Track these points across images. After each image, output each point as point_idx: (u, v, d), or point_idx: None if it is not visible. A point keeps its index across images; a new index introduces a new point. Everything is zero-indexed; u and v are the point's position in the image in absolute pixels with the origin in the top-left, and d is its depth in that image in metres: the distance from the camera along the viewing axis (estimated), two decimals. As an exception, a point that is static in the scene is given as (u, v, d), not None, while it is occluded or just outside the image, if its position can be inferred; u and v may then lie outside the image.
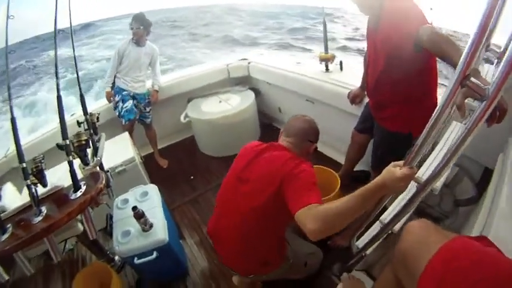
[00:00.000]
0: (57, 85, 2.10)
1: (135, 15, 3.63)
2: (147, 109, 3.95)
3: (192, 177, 3.83)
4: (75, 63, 2.74)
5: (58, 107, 2.02)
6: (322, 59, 3.48)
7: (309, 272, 2.16)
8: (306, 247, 2.13)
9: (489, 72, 1.55)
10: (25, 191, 2.08)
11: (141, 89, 3.85)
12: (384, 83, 2.17)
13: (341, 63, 3.48)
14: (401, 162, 1.25)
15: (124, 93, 3.75)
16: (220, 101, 4.19)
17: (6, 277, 1.83)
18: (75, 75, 2.72)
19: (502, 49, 1.50)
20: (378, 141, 2.47)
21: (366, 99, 2.76)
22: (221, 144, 4.08)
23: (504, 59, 0.82)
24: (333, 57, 3.48)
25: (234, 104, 4.07)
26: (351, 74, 3.34)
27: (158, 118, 4.16)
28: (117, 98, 3.75)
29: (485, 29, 0.85)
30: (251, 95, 4.26)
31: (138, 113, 3.86)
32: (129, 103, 3.74)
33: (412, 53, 1.83)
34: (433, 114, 1.08)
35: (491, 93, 0.87)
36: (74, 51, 2.64)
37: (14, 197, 2.45)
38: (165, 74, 4.63)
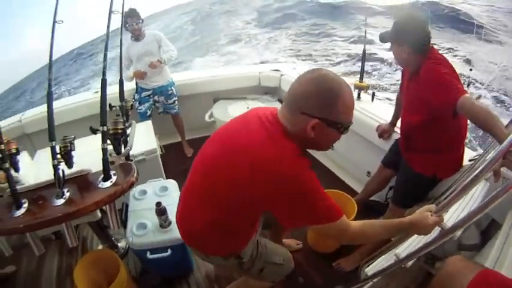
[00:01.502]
0: (104, 67, 2.11)
1: (126, 13, 3.47)
2: (170, 101, 3.98)
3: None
4: (121, 47, 2.74)
5: (101, 91, 2.03)
6: (356, 87, 3.49)
7: (267, 279, 1.88)
8: (276, 257, 1.80)
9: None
10: (40, 164, 2.08)
11: (162, 80, 3.87)
12: (417, 133, 2.26)
13: (373, 94, 3.48)
14: (433, 207, 1.39)
15: (143, 94, 3.85)
16: (248, 107, 4.18)
17: (11, 252, 1.85)
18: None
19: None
20: (402, 179, 2.51)
21: (395, 136, 2.81)
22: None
23: None
24: (367, 87, 3.49)
25: (261, 112, 4.04)
26: (382, 106, 3.35)
27: (183, 112, 4.19)
28: (136, 97, 3.85)
29: None
30: (279, 106, 4.21)
31: (158, 107, 4.00)
32: (145, 106, 3.87)
33: (450, 117, 1.92)
34: (471, 174, 1.25)
35: None
36: (121, 33, 2.65)
37: (27, 167, 2.43)
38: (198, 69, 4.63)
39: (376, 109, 3.26)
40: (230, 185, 1.32)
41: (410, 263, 1.75)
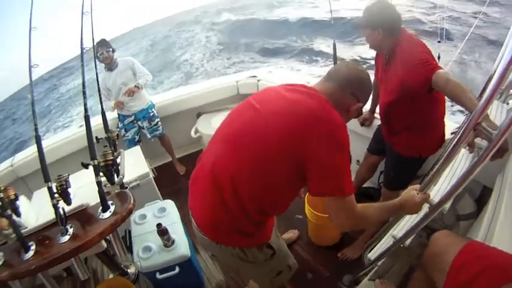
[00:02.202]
0: (85, 105, 2.18)
1: (97, 42, 3.51)
2: (154, 122, 4.00)
3: (202, 191, 3.85)
4: (97, 81, 2.81)
5: (86, 127, 2.09)
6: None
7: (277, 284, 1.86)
8: (287, 258, 1.82)
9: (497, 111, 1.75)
10: (39, 204, 2.13)
11: (141, 104, 3.89)
12: (396, 113, 2.31)
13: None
14: (417, 186, 1.45)
15: (126, 121, 3.88)
16: (231, 117, 4.25)
17: None
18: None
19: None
20: (391, 163, 2.58)
21: (376, 122, 2.89)
22: (231, 159, 4.12)
23: (508, 114, 0.97)
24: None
25: (244, 120, 4.11)
26: None
27: (168, 132, 4.23)
28: (120, 125, 3.89)
29: (498, 87, 1.01)
30: (260, 110, 4.30)
31: (144, 133, 4.01)
32: (131, 132, 3.91)
33: (425, 93, 2.01)
34: (447, 150, 1.29)
35: (496, 138, 1.04)
36: (95, 65, 2.71)
37: (28, 210, 2.44)
38: (176, 88, 4.69)
39: None
40: (283, 141, 1.29)
41: (408, 242, 1.82)
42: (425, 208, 1.45)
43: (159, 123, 4.07)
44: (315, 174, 1.30)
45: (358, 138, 3.14)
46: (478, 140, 1.30)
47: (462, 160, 2.14)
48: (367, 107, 2.99)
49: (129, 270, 2.79)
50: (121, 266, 2.72)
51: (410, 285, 1.88)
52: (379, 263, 2.02)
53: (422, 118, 2.23)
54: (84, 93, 2.21)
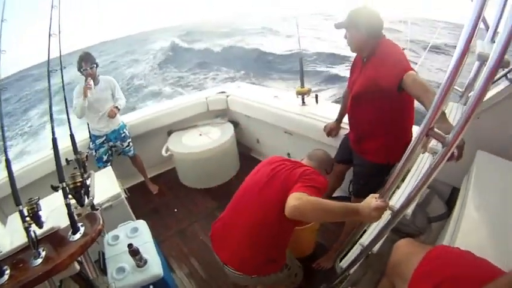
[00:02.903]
0: (52, 128, 2.16)
1: (81, 56, 3.52)
2: (125, 143, 3.97)
3: (176, 209, 3.89)
4: (65, 100, 2.78)
5: (54, 150, 2.08)
6: (298, 93, 3.67)
7: (295, 284, 2.30)
8: (296, 261, 2.33)
9: (457, 114, 1.83)
10: (12, 229, 2.10)
11: (114, 125, 3.84)
12: (367, 118, 2.37)
13: (316, 96, 3.68)
14: (377, 195, 1.47)
15: (97, 141, 3.82)
16: (200, 134, 4.31)
17: None
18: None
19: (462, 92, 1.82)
20: (359, 171, 2.63)
21: (342, 132, 2.97)
22: (203, 176, 4.18)
23: (460, 118, 1.02)
24: (309, 91, 3.67)
25: (215, 137, 4.19)
26: (326, 107, 3.54)
27: (140, 151, 4.21)
28: (92, 146, 3.84)
29: (448, 92, 1.04)
30: (230, 127, 4.40)
31: (113, 155, 3.97)
32: (99, 152, 3.85)
33: (395, 94, 2.05)
34: (403, 157, 1.29)
35: (450, 142, 1.07)
36: (64, 89, 2.68)
37: (4, 237, 2.40)
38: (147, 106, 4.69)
39: (321, 111, 3.45)
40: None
41: (377, 249, 1.83)
42: (388, 215, 1.49)
43: (131, 143, 4.04)
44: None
45: (325, 149, 3.21)
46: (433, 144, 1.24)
47: (426, 164, 2.22)
48: (332, 116, 3.08)
49: (107, 293, 2.75)
50: (97, 288, 2.68)
51: None
52: (351, 271, 2.04)
53: (391, 124, 2.28)
54: (51, 116, 2.20)
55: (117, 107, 3.74)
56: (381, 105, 2.23)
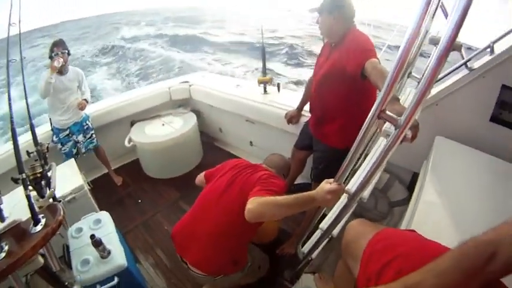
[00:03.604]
0: (11, 117, 2.11)
1: (54, 41, 3.45)
2: (88, 135, 3.90)
3: (140, 200, 3.88)
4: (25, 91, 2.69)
5: (13, 141, 2.03)
6: (260, 82, 3.71)
7: (260, 275, 2.38)
8: (259, 253, 2.41)
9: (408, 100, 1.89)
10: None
11: (77, 117, 3.76)
12: (328, 101, 2.43)
13: (278, 85, 3.73)
14: (331, 180, 1.52)
15: (61, 135, 3.73)
16: (163, 124, 4.29)
17: None
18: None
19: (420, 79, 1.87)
20: (319, 156, 2.70)
21: (303, 119, 3.04)
22: (166, 166, 4.18)
23: (412, 100, 1.03)
24: (270, 80, 3.72)
25: (177, 126, 4.19)
26: (288, 95, 3.60)
27: (103, 143, 4.15)
28: (55, 139, 3.73)
29: (398, 75, 1.05)
30: (193, 117, 4.40)
31: (80, 148, 3.87)
32: (67, 146, 3.78)
33: (359, 80, 2.10)
34: (356, 139, 1.32)
35: (402, 124, 1.07)
36: (23, 75, 2.59)
37: None
38: (109, 97, 4.60)
39: (283, 99, 3.51)
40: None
41: (336, 232, 1.90)
42: (345, 198, 1.53)
43: (94, 135, 3.97)
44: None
45: (286, 136, 3.30)
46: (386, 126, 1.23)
47: (379, 148, 2.29)
48: (294, 105, 3.14)
49: (74, 287, 2.73)
50: (65, 284, 2.65)
51: (335, 273, 1.97)
52: (314, 255, 2.08)
53: (351, 107, 2.34)
54: (10, 105, 2.14)
55: (85, 99, 3.70)
56: (343, 90, 2.29)
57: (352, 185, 1.51)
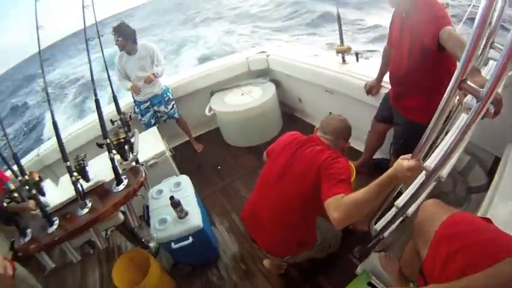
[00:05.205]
0: (94, 90, 2.30)
1: (113, 27, 3.62)
2: (169, 107, 4.11)
3: (219, 167, 4.04)
4: (106, 66, 2.91)
5: (97, 110, 2.22)
6: (338, 51, 3.58)
7: (331, 251, 2.34)
8: (331, 230, 2.28)
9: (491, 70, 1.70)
10: (64, 185, 2.31)
11: (156, 89, 3.97)
12: (409, 73, 2.27)
13: (357, 54, 3.58)
14: (409, 156, 1.42)
15: (142, 106, 4.01)
16: (242, 94, 4.37)
17: (53, 265, 2.08)
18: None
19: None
20: (400, 130, 2.58)
21: (383, 91, 2.90)
22: (245, 134, 4.28)
23: (496, 65, 0.92)
24: (348, 49, 3.58)
25: (256, 96, 4.23)
26: (367, 65, 3.45)
27: (183, 112, 4.35)
28: (137, 110, 4.03)
29: (480, 36, 0.96)
30: (272, 86, 4.40)
31: (159, 118, 4.15)
32: (147, 117, 4.05)
33: (436, 52, 1.97)
34: (435, 113, 1.23)
35: (484, 95, 0.98)
36: (102, 52, 2.80)
37: (53, 192, 2.62)
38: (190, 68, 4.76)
39: (362, 69, 3.36)
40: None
41: (411, 211, 1.79)
42: (423, 175, 1.45)
43: (175, 106, 4.18)
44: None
45: (365, 108, 3.16)
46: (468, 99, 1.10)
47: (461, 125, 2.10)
48: (374, 75, 3.01)
49: (150, 244, 2.97)
50: (142, 240, 2.90)
51: (403, 255, 1.90)
52: (386, 234, 2.01)
53: (433, 81, 2.16)
54: (92, 78, 2.32)
55: (154, 74, 3.84)
56: (424, 65, 2.14)
57: (431, 162, 1.41)
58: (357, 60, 3.58)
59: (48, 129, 13.22)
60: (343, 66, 3.56)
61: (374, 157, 3.23)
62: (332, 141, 2.07)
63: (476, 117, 1.04)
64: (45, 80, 2.32)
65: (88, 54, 2.41)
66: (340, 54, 3.59)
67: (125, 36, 3.65)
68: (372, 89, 3.02)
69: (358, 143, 3.51)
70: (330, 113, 3.97)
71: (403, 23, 2.24)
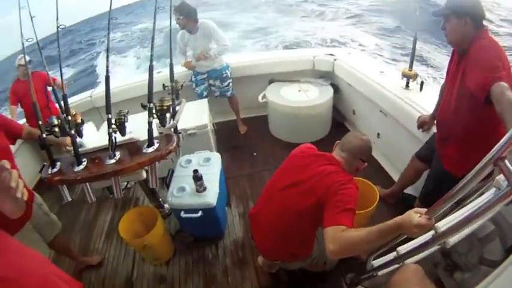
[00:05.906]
0: (151, 56, 2.41)
1: (175, 6, 3.62)
2: (225, 83, 4.22)
3: (255, 153, 4.12)
4: (170, 33, 3.05)
5: (149, 75, 2.33)
6: (404, 75, 3.49)
7: (325, 269, 2.38)
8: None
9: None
10: (103, 132, 2.50)
11: (215, 64, 4.09)
12: (455, 119, 2.16)
13: (422, 83, 3.47)
14: (423, 210, 1.36)
15: (198, 77, 4.16)
16: (299, 90, 4.38)
17: (69, 198, 2.28)
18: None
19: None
20: (432, 175, 2.52)
21: (434, 129, 2.78)
22: (291, 130, 4.31)
23: None
24: (415, 76, 3.48)
25: (312, 96, 4.22)
26: (429, 97, 3.34)
27: (237, 92, 4.45)
28: (193, 79, 4.20)
29: None
30: (330, 90, 4.37)
31: (212, 92, 4.30)
32: (200, 88, 4.20)
33: (483, 102, 1.79)
34: (462, 180, 1.15)
35: None
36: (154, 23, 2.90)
37: (92, 136, 2.87)
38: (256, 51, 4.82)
39: (422, 99, 3.26)
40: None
41: (410, 262, 1.71)
42: (430, 234, 1.38)
43: (231, 84, 4.29)
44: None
45: (413, 140, 3.07)
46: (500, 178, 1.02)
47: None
48: (431, 109, 2.92)
49: (165, 205, 3.16)
50: (159, 199, 3.09)
51: None
52: (380, 273, 1.97)
53: (477, 133, 2.03)
54: (152, 46, 2.42)
55: (204, 55, 3.92)
56: (470, 111, 1.99)
57: (444, 225, 1.34)
58: (421, 89, 3.46)
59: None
60: (404, 92, 3.46)
61: (405, 191, 3.15)
62: (347, 160, 2.00)
63: (502, 200, 0.98)
64: (109, 37, 2.46)
65: (154, 23, 2.52)
66: (405, 79, 3.51)
67: (186, 15, 3.76)
68: (423, 124, 2.90)
69: (393, 171, 3.48)
70: (378, 133, 3.96)
71: (458, 63, 2.11)
